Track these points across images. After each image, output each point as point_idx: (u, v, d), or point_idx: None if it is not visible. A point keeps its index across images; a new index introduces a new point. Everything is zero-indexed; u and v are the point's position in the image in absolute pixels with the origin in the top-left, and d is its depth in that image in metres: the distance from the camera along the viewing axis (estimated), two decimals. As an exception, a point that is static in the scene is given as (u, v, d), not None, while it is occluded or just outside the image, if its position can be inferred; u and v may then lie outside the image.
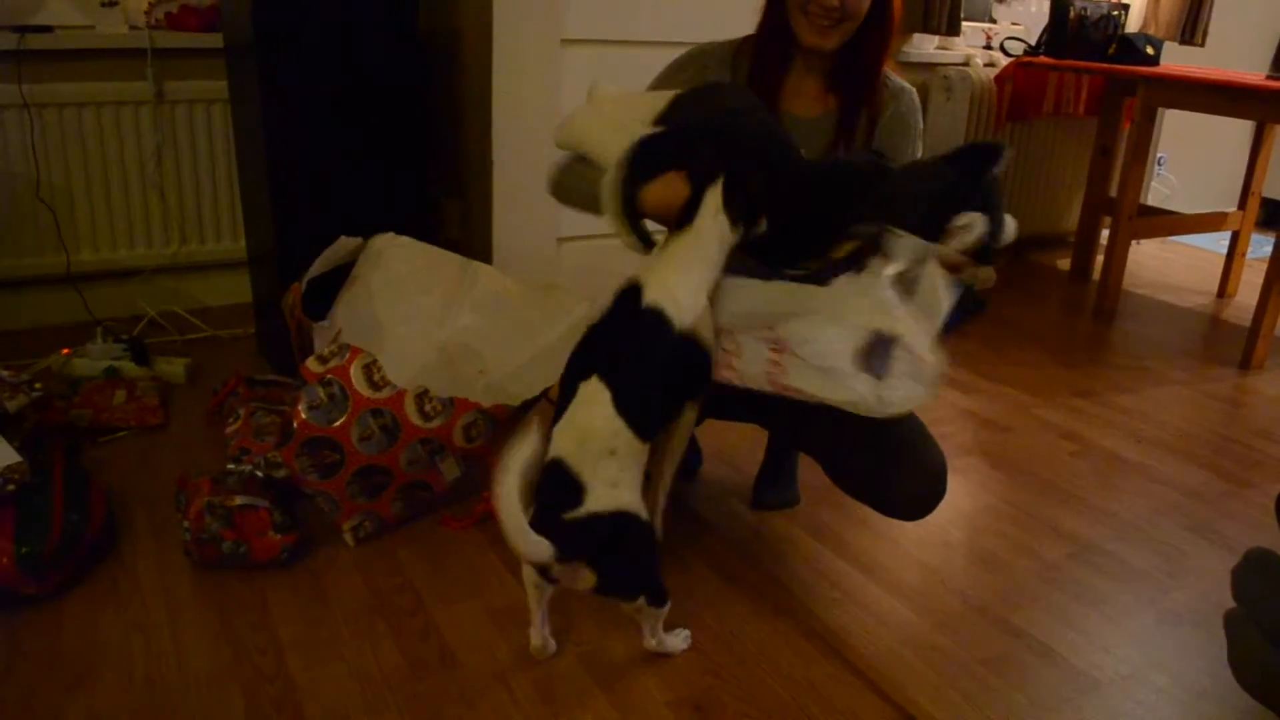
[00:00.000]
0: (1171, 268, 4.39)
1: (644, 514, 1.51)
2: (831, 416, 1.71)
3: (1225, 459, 2.57)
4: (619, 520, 1.48)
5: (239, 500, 1.79)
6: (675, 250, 1.56)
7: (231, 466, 1.90)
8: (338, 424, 1.83)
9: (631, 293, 1.55)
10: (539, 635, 1.64)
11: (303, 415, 1.82)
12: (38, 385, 2.11)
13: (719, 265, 1.57)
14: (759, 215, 1.57)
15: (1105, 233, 3.87)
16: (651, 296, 1.53)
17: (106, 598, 1.75)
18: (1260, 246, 4.19)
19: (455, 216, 3.00)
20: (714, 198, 1.54)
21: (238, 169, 2.93)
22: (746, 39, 1.86)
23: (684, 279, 1.54)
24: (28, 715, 1.48)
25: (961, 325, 3.48)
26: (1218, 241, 4.33)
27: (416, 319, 2.10)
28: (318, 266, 2.17)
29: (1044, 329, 3.54)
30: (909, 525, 2.12)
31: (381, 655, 1.63)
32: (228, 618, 1.70)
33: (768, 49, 1.80)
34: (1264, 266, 3.19)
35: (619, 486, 1.49)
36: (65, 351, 2.59)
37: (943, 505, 2.21)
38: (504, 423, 1.96)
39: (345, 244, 2.19)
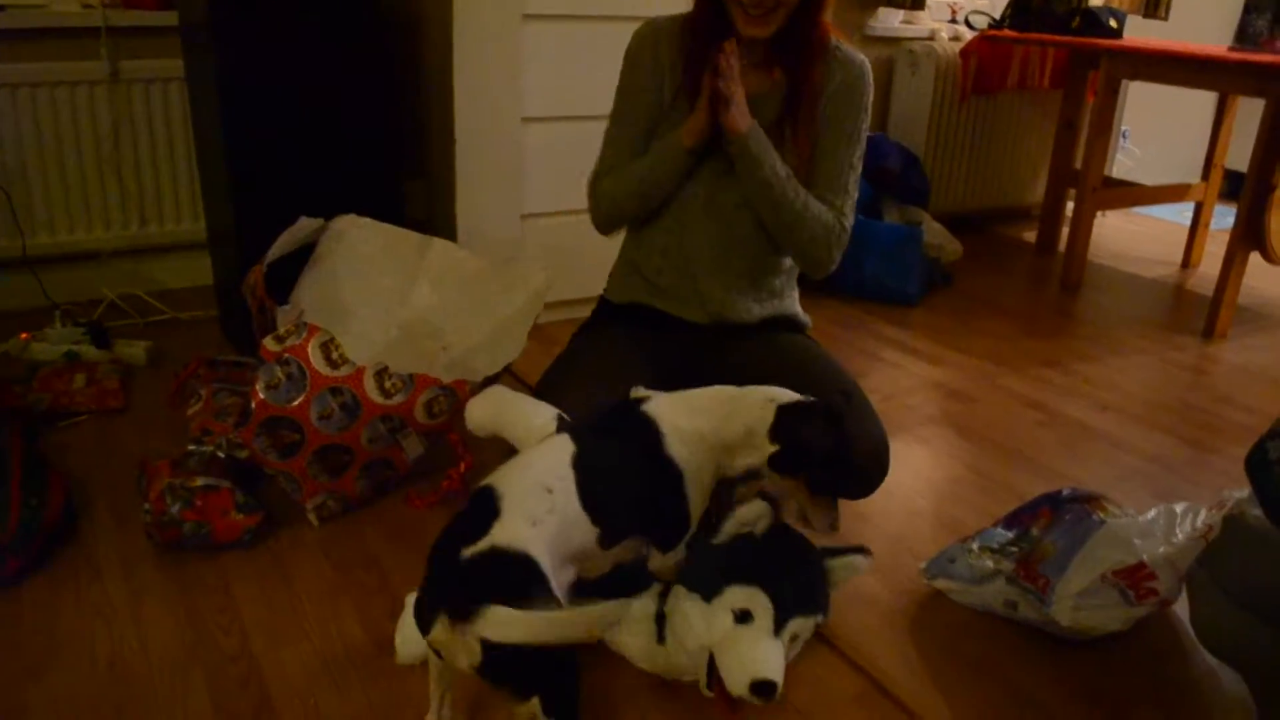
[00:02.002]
0: (1136, 240, 4.42)
1: (552, 584, 1.26)
2: None
3: (1189, 425, 2.59)
4: (525, 566, 1.24)
5: (200, 481, 1.77)
6: (691, 395, 1.58)
7: (192, 448, 1.88)
8: (296, 403, 1.81)
9: (634, 402, 1.57)
10: (433, 715, 1.39)
11: (260, 395, 1.80)
12: (-7, 370, 2.08)
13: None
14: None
15: (1070, 205, 3.89)
16: (652, 408, 1.54)
17: (67, 582, 1.73)
18: (1223, 218, 4.22)
19: (419, 197, 2.97)
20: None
21: (195, 149, 2.89)
22: (690, 16, 1.85)
23: (691, 421, 1.53)
24: (-13, 700, 1.46)
25: (928, 297, 3.52)
26: (1181, 213, 4.36)
27: (378, 299, 2.07)
28: (278, 248, 2.14)
29: (1010, 301, 3.55)
30: (875, 496, 2.12)
31: (346, 634, 1.62)
32: (190, 599, 1.69)
33: (706, 37, 1.79)
34: (1226, 237, 3.22)
35: (537, 528, 1.30)
36: (23, 336, 2.54)
37: (908, 474, 2.23)
38: (465, 398, 1.94)
39: (306, 225, 2.16)
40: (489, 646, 1.16)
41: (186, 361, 2.34)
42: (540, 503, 1.34)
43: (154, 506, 1.74)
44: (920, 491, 2.18)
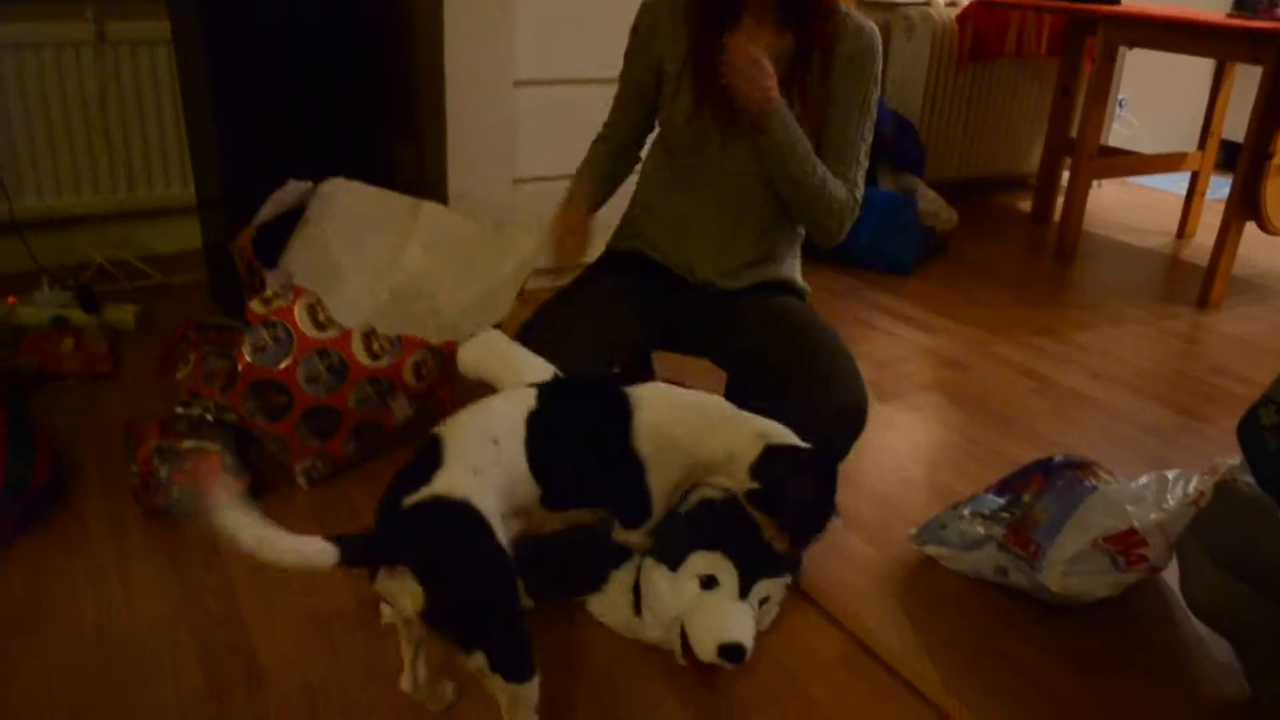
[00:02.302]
0: (1131, 209, 4.41)
1: (499, 535, 1.24)
2: (763, 356, 1.84)
3: (1182, 395, 2.59)
4: (465, 516, 1.22)
5: (189, 443, 1.76)
6: (682, 396, 1.53)
7: (181, 410, 1.87)
8: (283, 366, 1.79)
9: (620, 379, 1.55)
10: (408, 678, 1.35)
11: (247, 358, 1.78)
12: (-21, 332, 2.06)
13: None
14: None
15: (1066, 174, 3.87)
16: (636, 392, 1.49)
17: (55, 544, 1.72)
18: (1219, 188, 4.20)
19: (409, 160, 2.94)
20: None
21: (184, 113, 2.85)
22: None
23: (670, 421, 1.47)
24: (-26, 661, 1.46)
25: (922, 265, 3.50)
26: (1177, 183, 4.34)
27: (368, 261, 2.06)
28: (267, 211, 2.12)
29: (1005, 269, 3.54)
30: (866, 460, 2.13)
31: (335, 597, 1.61)
32: (178, 562, 1.68)
33: (714, 5, 1.79)
34: (1222, 208, 3.20)
35: (480, 477, 1.28)
36: (11, 300, 2.52)
37: (901, 441, 2.23)
38: (452, 359, 1.94)
39: (294, 188, 2.14)
40: (431, 594, 1.15)
41: (175, 326, 2.32)
42: (484, 453, 1.31)
43: (142, 469, 1.73)
44: (912, 458, 2.18)
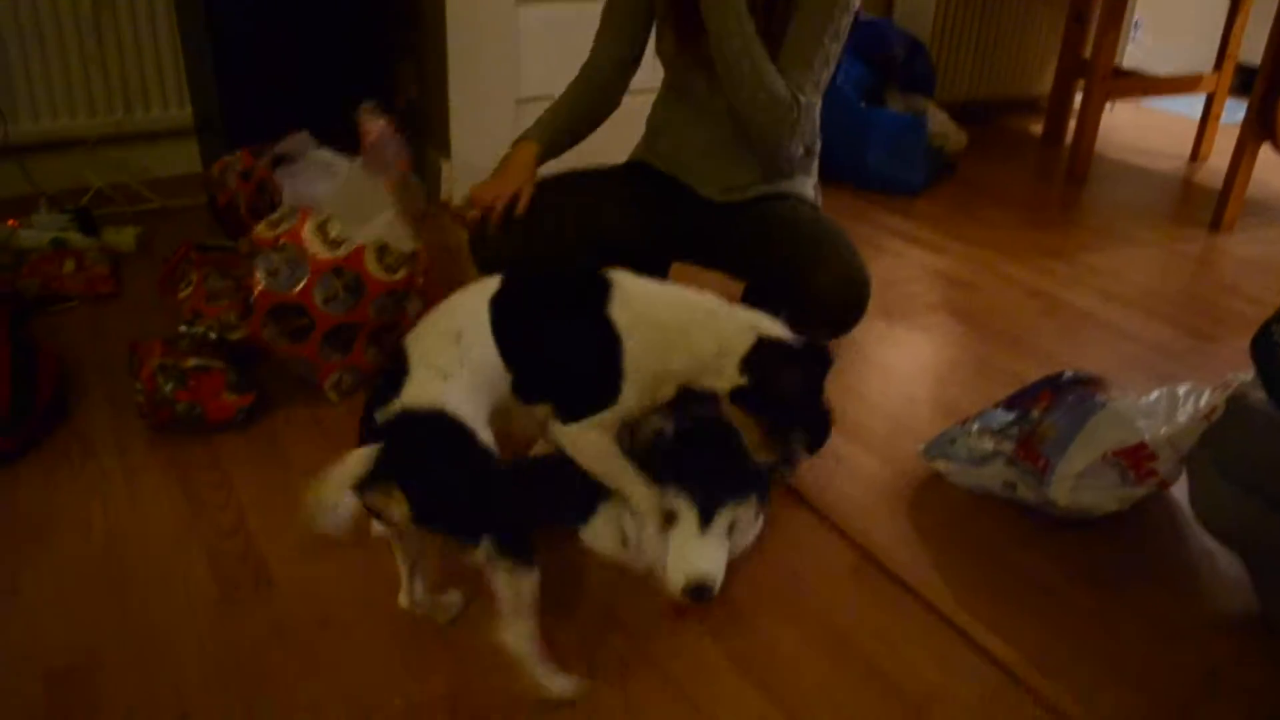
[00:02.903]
0: (1145, 133, 4.33)
1: (481, 435, 1.22)
2: (768, 244, 1.86)
3: (1193, 315, 2.57)
4: (438, 423, 1.19)
5: (192, 361, 1.75)
6: (669, 286, 1.50)
7: (184, 330, 1.85)
8: (299, 288, 1.77)
9: (602, 283, 1.45)
10: (405, 594, 1.35)
11: (261, 284, 1.76)
12: (-23, 251, 2.04)
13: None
14: None
15: (1079, 97, 3.80)
16: (615, 273, 1.45)
17: (62, 462, 1.72)
18: (1234, 112, 4.12)
19: (410, 79, 2.89)
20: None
21: (180, 34, 2.80)
22: None
23: (654, 304, 1.44)
24: (-15, 574, 1.46)
25: (931, 187, 3.46)
26: (1191, 106, 4.26)
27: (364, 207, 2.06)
28: (283, 148, 2.10)
29: (1015, 192, 3.49)
30: (873, 377, 2.12)
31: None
32: (186, 477, 1.68)
33: None
34: (1237, 131, 3.14)
35: (450, 381, 1.24)
36: (10, 223, 2.50)
37: (908, 359, 2.22)
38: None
39: (302, 140, 2.12)
40: (417, 505, 1.12)
41: (176, 247, 2.30)
42: (447, 353, 1.28)
43: (146, 385, 1.72)
44: (919, 376, 2.16)
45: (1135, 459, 1.63)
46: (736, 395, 1.40)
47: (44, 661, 1.31)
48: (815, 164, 2.01)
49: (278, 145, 2.06)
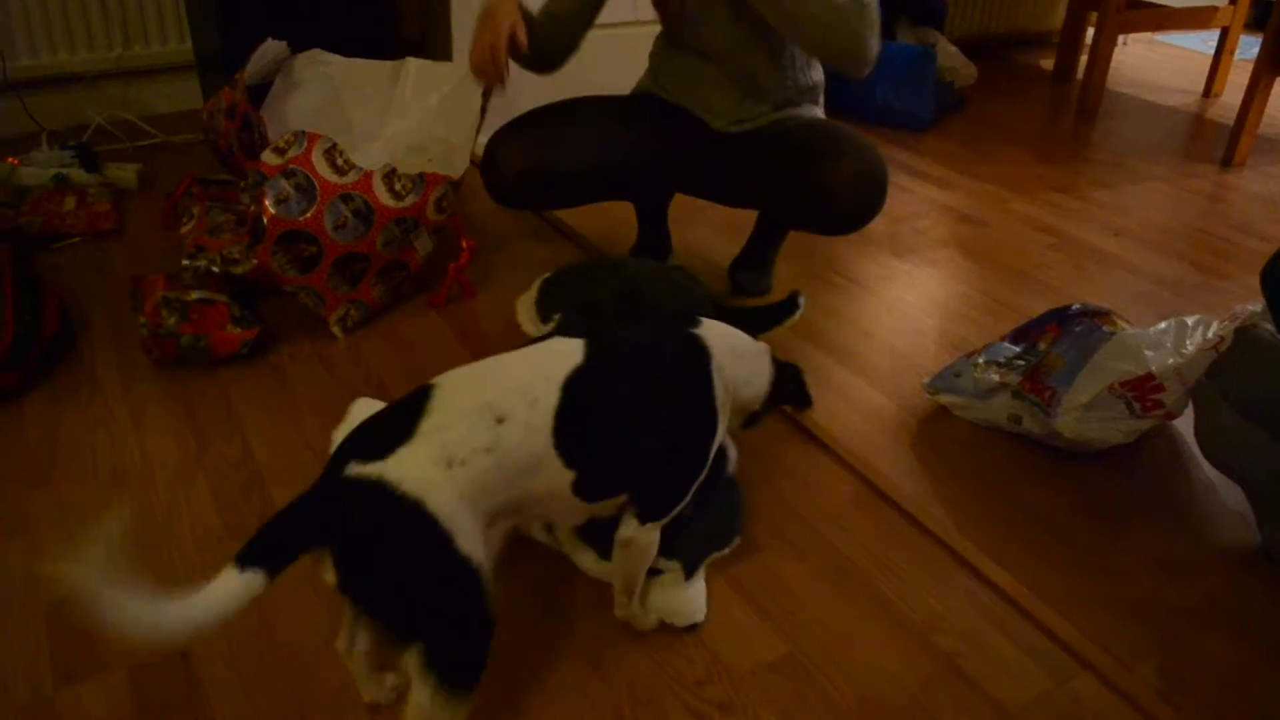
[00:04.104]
0: (1157, 68, 4.27)
1: (462, 540, 0.97)
2: (782, 150, 1.85)
3: (1202, 251, 2.54)
4: (413, 520, 0.95)
5: (196, 294, 1.75)
6: (735, 333, 1.32)
7: (186, 263, 1.84)
8: (308, 215, 1.75)
9: (684, 320, 1.28)
10: (344, 638, 1.13)
11: (271, 210, 1.75)
12: (-22, 187, 2.03)
13: None
14: None
15: (1091, 32, 3.74)
16: (703, 333, 1.26)
17: (68, 396, 1.72)
18: (1248, 48, 4.06)
19: (412, 13, 2.84)
20: None
21: (178, -36, 2.76)
22: None
23: (735, 359, 1.28)
24: (-7, 507, 1.47)
25: (940, 122, 3.42)
26: (1205, 42, 4.20)
27: (354, 131, 2.04)
28: (254, 73, 2.07)
29: (1025, 127, 3.45)
30: (879, 312, 2.11)
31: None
32: (191, 411, 1.68)
33: None
34: (1251, 67, 3.09)
35: (454, 471, 0.99)
36: (11, 161, 2.48)
37: (915, 294, 2.20)
38: (462, 184, 1.97)
39: (271, 48, 2.08)
40: (348, 566, 0.94)
41: (178, 182, 2.28)
42: (474, 436, 1.01)
43: (149, 319, 1.72)
44: (926, 311, 2.15)
45: (1142, 390, 1.62)
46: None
47: (45, 598, 1.32)
48: (821, 95, 1.99)
49: (246, 73, 2.03)
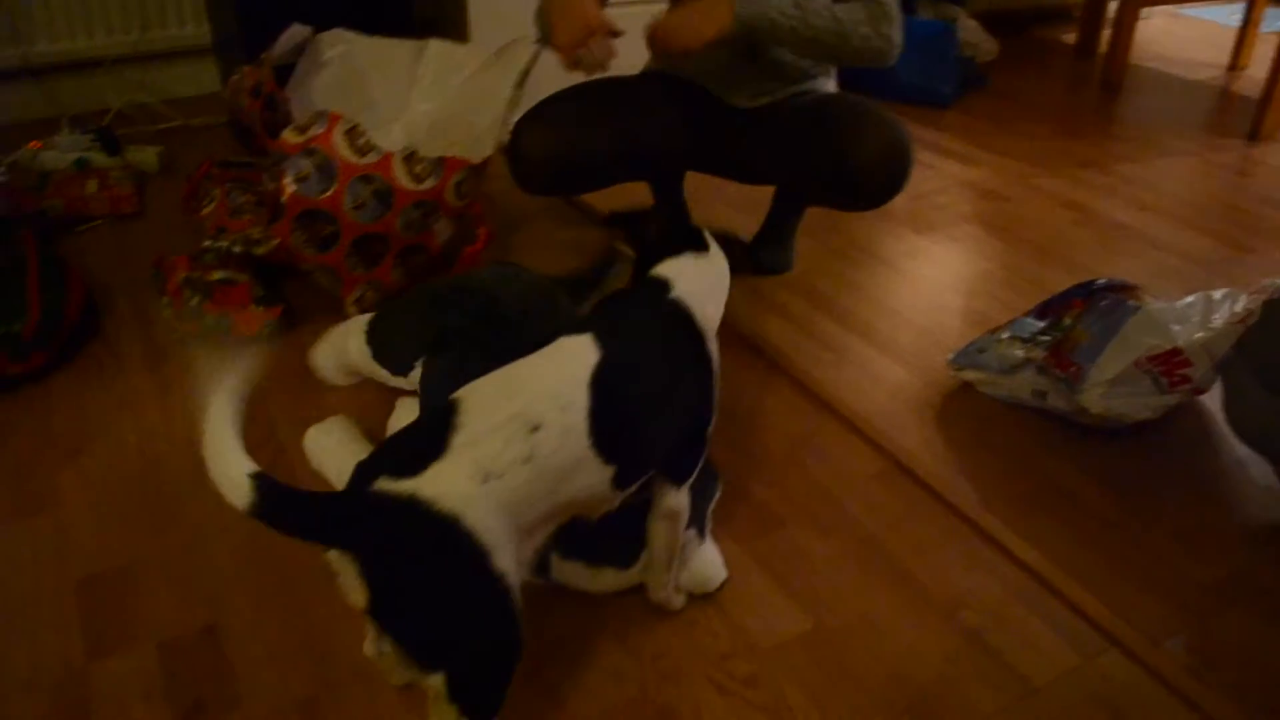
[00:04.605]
0: (1182, 42, 4.21)
1: (496, 560, 0.95)
2: (804, 123, 1.83)
3: (1229, 226, 2.51)
4: (449, 539, 0.93)
5: (218, 274, 1.76)
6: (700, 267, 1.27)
7: (208, 244, 1.85)
8: (328, 194, 1.75)
9: (660, 284, 1.22)
10: (371, 644, 1.17)
11: (290, 189, 1.75)
12: (1, 169, 2.04)
13: None
14: None
15: (1113, 6, 3.69)
16: (681, 294, 1.22)
17: (93, 376, 1.73)
18: (1275, 20, 4.01)
19: (430, -7, 2.84)
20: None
21: (196, -54, 2.76)
22: None
23: (707, 306, 1.25)
24: (24, 485, 1.49)
25: (961, 98, 3.38)
26: (1230, 15, 4.14)
27: (375, 111, 2.04)
28: (281, 55, 2.07)
29: (1047, 102, 3.41)
30: (902, 288, 2.10)
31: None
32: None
33: None
34: (1277, 38, 3.04)
35: (491, 484, 0.95)
36: (33, 145, 2.49)
37: (938, 270, 2.19)
38: (485, 171, 1.94)
39: (298, 32, 2.08)
40: (375, 589, 0.91)
41: (199, 164, 2.29)
42: (510, 448, 0.98)
43: (173, 299, 1.73)
44: (949, 287, 2.14)
45: (1169, 365, 1.60)
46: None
47: (77, 572, 1.34)
48: (834, 69, 1.99)
49: (273, 52, 2.03)
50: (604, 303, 1.23)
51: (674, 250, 1.25)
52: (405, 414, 1.54)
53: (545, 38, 1.79)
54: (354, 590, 0.92)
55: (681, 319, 1.20)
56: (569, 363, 1.08)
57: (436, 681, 0.95)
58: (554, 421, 1.01)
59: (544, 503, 1.02)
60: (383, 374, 1.60)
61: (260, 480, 0.87)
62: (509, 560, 0.96)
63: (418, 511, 0.92)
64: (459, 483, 0.94)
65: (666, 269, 1.23)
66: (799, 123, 1.85)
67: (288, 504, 0.90)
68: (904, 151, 1.80)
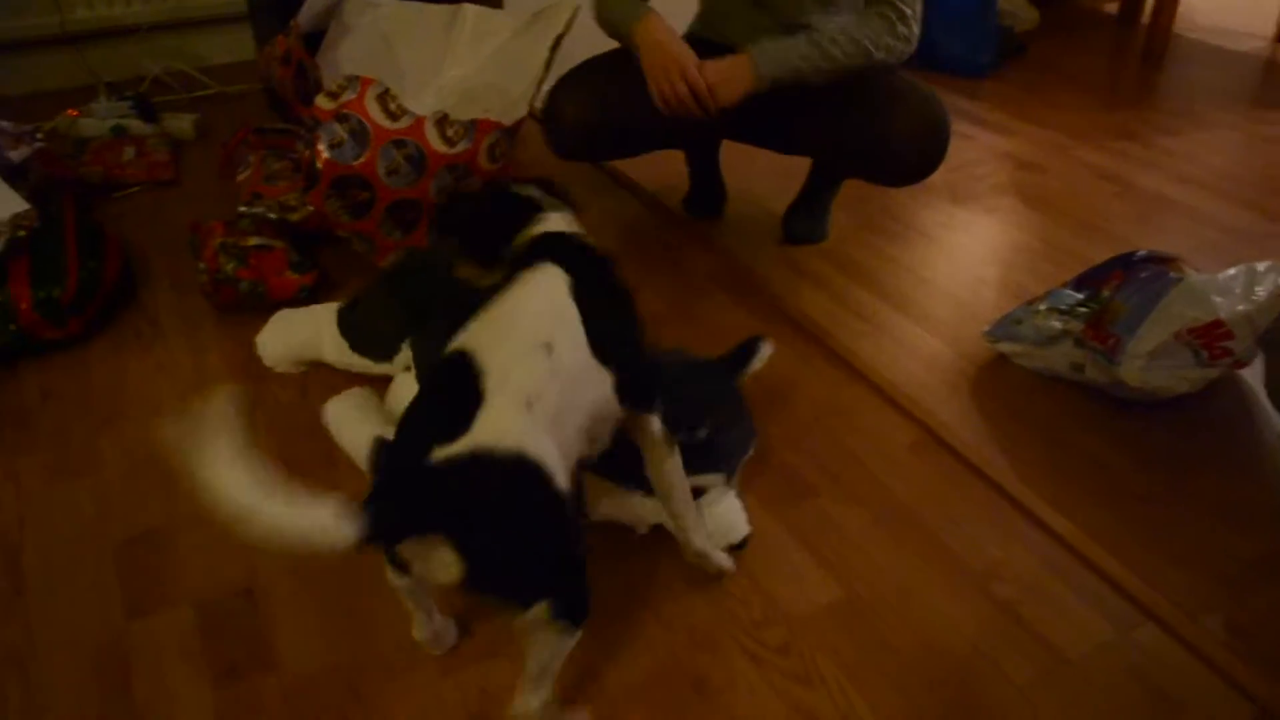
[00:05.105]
0: (1227, 12, 4.12)
1: (559, 481, 0.98)
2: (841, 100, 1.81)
3: (1272, 199, 2.46)
4: (519, 472, 0.95)
5: (254, 240, 1.76)
6: None
7: (244, 210, 1.86)
8: (362, 160, 1.75)
9: (555, 234, 1.23)
10: (422, 628, 1.17)
11: (325, 155, 1.75)
12: (40, 135, 2.05)
13: None
14: None
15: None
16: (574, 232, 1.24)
17: (130, 342, 1.75)
18: (1324, -12, 3.92)
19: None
20: None
21: (231, -87, 2.76)
22: None
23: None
24: (63, 448, 1.51)
25: (1000, 68, 3.33)
26: (1279, -17, 4.04)
27: (406, 77, 2.04)
28: (309, 19, 2.07)
29: (1087, 72, 3.36)
30: (938, 259, 2.08)
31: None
32: (250, 355, 1.69)
33: None
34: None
35: (534, 409, 0.98)
36: (71, 113, 2.51)
37: (974, 242, 2.16)
38: (518, 135, 1.94)
39: None
40: (475, 561, 0.92)
41: (234, 131, 2.30)
42: (538, 368, 1.02)
43: (209, 265, 1.74)
44: (986, 259, 2.11)
45: (1210, 338, 1.58)
46: None
47: (115, 536, 1.35)
48: None
49: (300, 20, 2.03)
50: (525, 252, 1.20)
51: (530, 212, 1.24)
52: (405, 387, 1.53)
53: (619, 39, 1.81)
54: (443, 571, 0.92)
55: (591, 251, 1.22)
56: (548, 286, 1.11)
57: (538, 611, 0.97)
58: (560, 336, 1.06)
59: (571, 418, 1.05)
60: (361, 364, 1.60)
61: (369, 508, 0.85)
62: (566, 479, 0.99)
63: (489, 461, 0.94)
64: (510, 419, 0.97)
65: (546, 225, 1.22)
66: (835, 96, 1.83)
67: (392, 513, 0.90)
68: (939, 130, 1.79)
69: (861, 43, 1.72)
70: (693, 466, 1.26)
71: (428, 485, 0.94)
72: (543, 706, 1.05)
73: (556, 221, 1.23)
